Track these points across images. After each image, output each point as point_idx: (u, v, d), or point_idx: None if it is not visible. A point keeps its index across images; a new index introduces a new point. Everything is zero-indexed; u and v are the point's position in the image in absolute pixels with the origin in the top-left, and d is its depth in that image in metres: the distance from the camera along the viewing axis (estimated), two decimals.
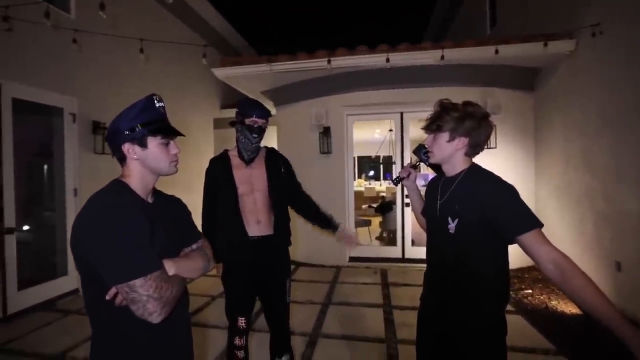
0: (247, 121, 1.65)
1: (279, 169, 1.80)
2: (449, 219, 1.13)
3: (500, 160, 4.15)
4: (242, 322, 1.69)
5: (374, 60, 3.92)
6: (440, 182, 1.24)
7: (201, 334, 2.72)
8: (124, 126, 0.94)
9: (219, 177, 1.73)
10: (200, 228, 1.39)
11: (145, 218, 0.93)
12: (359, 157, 11.85)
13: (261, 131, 1.68)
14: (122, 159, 0.98)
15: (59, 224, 3.70)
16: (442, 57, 3.32)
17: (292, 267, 4.53)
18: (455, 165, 1.17)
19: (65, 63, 3.49)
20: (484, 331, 1.10)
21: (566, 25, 3.54)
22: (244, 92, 5.32)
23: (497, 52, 3.28)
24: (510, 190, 1.04)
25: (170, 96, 5.24)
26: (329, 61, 3.39)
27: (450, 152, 1.15)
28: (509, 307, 3.08)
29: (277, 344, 1.82)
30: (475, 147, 1.15)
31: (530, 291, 3.51)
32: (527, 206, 1.02)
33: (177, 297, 0.92)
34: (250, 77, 4.48)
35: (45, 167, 3.87)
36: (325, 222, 1.90)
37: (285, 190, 1.82)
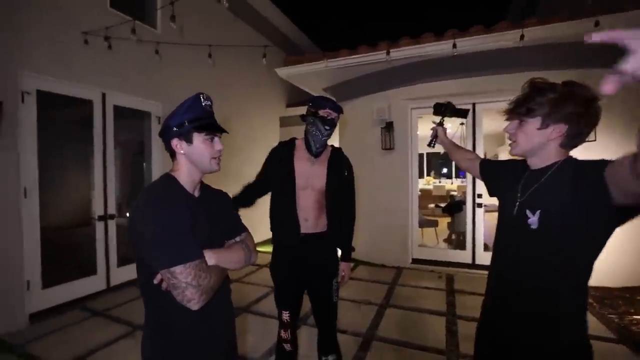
0: (321, 112, 1.63)
1: (342, 170, 1.76)
2: (528, 212, 0.93)
3: (596, 152, 3.45)
4: (286, 315, 1.70)
5: (440, 47, 3.60)
6: (523, 176, 1.03)
7: (260, 322, 2.86)
8: (173, 122, 1.00)
9: (280, 161, 1.73)
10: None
11: (189, 210, 0.98)
12: (428, 154, 11.18)
13: (333, 124, 1.65)
14: (172, 154, 1.05)
15: None
16: (522, 37, 2.87)
17: (352, 264, 4.47)
18: (545, 158, 0.96)
19: (151, 72, 3.99)
20: (565, 358, 0.91)
21: None
22: (307, 90, 5.43)
23: (597, 24, 2.69)
24: None
25: (239, 96, 5.63)
26: (387, 52, 3.22)
27: (541, 143, 0.94)
28: (610, 334, 2.56)
29: (323, 343, 1.80)
30: (575, 138, 0.93)
31: None
32: None
33: (216, 286, 0.95)
34: (310, 75, 4.53)
35: (144, 164, 4.51)
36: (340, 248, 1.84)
37: (341, 193, 1.76)
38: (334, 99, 5.10)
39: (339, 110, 1.67)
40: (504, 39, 3.37)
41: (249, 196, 1.80)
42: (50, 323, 2.87)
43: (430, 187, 9.15)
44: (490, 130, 7.88)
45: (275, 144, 1.89)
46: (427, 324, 2.82)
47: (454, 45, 2.96)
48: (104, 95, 3.53)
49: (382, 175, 4.50)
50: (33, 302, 2.92)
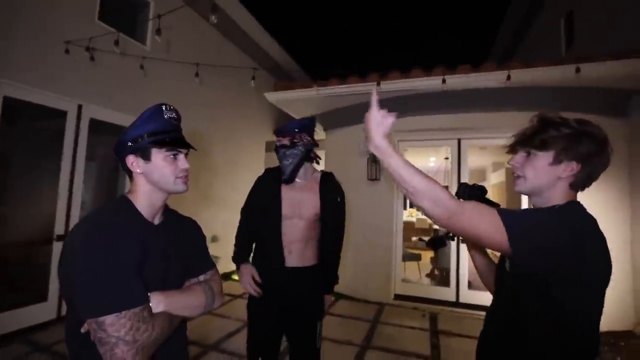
0: (277, 142, 1.56)
1: (335, 196, 1.63)
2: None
3: (585, 199, 3.50)
4: None
5: (428, 83, 3.67)
6: None
7: None
8: (128, 136, 0.86)
9: (266, 189, 1.62)
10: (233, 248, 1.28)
11: (141, 241, 0.81)
12: None
13: (286, 148, 1.53)
14: (129, 173, 0.90)
15: None
16: (509, 78, 2.96)
17: (332, 298, 4.25)
18: (551, 198, 0.88)
19: (135, 87, 3.86)
20: None
21: None
22: (295, 116, 5.41)
23: (578, 70, 2.81)
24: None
25: (225, 118, 5.54)
26: (378, 84, 3.24)
27: (550, 180, 0.87)
28: None
29: None
30: (585, 180, 0.87)
31: None
32: None
33: (161, 339, 0.76)
34: (299, 102, 4.52)
35: (118, 181, 4.25)
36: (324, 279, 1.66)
37: (332, 221, 1.63)
38: (322, 125, 5.10)
39: (288, 132, 1.54)
40: (490, 78, 3.48)
41: (247, 246, 1.66)
42: None
43: (413, 219, 9.13)
44: (475, 166, 8.05)
45: (261, 169, 1.77)
46: None
47: (444, 81, 3.01)
48: (80, 107, 3.34)
49: (367, 205, 4.40)
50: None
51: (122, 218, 0.83)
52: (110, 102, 3.60)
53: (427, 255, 5.50)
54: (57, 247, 3.20)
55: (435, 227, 7.04)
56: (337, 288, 4.25)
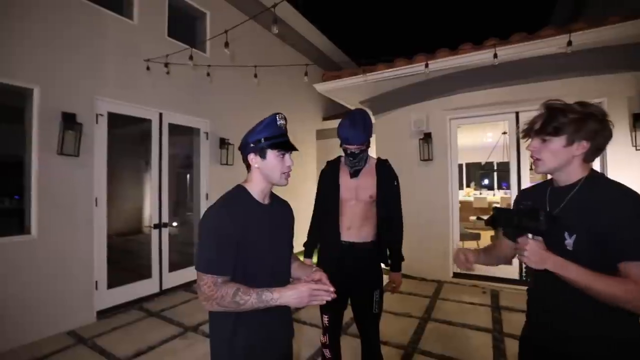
0: (343, 145, 1.74)
1: (391, 181, 1.82)
2: (566, 234, 0.97)
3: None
4: (325, 319, 1.77)
5: (479, 57, 3.57)
6: (547, 193, 1.08)
7: (298, 330, 2.94)
8: (250, 139, 1.13)
9: (329, 178, 1.86)
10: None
11: (255, 217, 1.11)
12: (467, 164, 10.79)
13: (354, 155, 1.73)
14: (248, 166, 1.18)
15: (195, 222, 4.57)
16: (570, 43, 2.78)
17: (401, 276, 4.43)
18: (571, 174, 1.02)
19: (202, 93, 4.35)
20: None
21: None
22: (344, 104, 5.57)
23: None
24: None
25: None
26: (426, 65, 3.24)
27: (567, 159, 1.01)
28: None
29: (365, 353, 1.82)
30: (595, 152, 1.01)
31: None
32: None
33: (229, 303, 1.00)
34: (348, 89, 4.66)
35: (188, 176, 4.87)
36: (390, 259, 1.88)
37: (390, 204, 1.82)
38: (371, 110, 5.20)
39: (357, 142, 1.69)
40: (549, 45, 3.27)
41: (315, 238, 1.94)
42: (114, 320, 3.18)
43: (471, 198, 8.79)
44: None
45: (313, 157, 2.01)
46: (472, 340, 2.73)
47: (495, 55, 2.93)
48: (160, 115, 3.91)
49: (420, 186, 4.45)
50: (100, 300, 3.25)
51: (240, 200, 1.13)
52: (181, 107, 4.12)
53: (487, 234, 5.37)
54: (154, 233, 3.84)
55: (495, 204, 6.77)
56: None
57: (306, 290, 1.02)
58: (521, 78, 3.80)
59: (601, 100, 3.47)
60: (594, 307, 0.92)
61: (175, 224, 4.53)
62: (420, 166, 4.48)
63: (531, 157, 1.08)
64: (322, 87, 4.72)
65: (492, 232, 5.08)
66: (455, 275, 4.30)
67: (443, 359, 2.44)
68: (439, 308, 3.44)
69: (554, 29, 3.31)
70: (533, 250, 0.91)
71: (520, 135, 1.12)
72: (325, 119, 7.28)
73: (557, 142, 1.00)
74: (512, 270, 4.03)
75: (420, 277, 4.40)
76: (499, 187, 10.67)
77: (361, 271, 1.77)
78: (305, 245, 1.93)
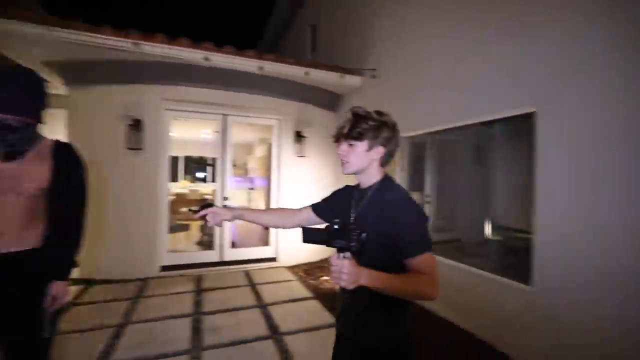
0: None
1: (71, 170, 1.43)
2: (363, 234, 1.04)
3: (307, 166, 4.81)
4: None
5: (194, 56, 3.73)
6: (354, 193, 1.21)
7: None
8: None
9: None
10: None
11: None
12: (185, 158, 10.98)
13: (12, 129, 1.26)
14: None
15: None
16: (261, 68, 3.53)
17: (82, 286, 3.64)
18: (371, 176, 1.14)
19: None
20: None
21: (360, 65, 4.52)
22: (14, 59, 3.90)
23: (307, 73, 3.79)
24: (417, 210, 1.05)
25: None
26: (139, 44, 2.94)
27: (368, 162, 1.12)
28: (310, 294, 3.58)
29: None
30: (389, 157, 1.14)
31: (327, 277, 4.19)
32: (426, 228, 1.03)
33: None
34: (27, 39, 3.31)
35: None
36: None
37: (69, 198, 1.43)
38: (62, 79, 4.01)
39: (21, 110, 1.28)
40: (250, 64, 3.98)
41: None
42: None
43: (186, 190, 9.01)
44: (239, 140, 8.85)
45: None
46: (172, 330, 2.78)
47: (207, 59, 3.16)
48: None
49: (125, 178, 3.97)
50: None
51: None
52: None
53: (196, 224, 5.72)
54: None
55: (206, 196, 7.36)
56: (89, 273, 3.71)
57: None
58: (231, 85, 4.35)
59: (279, 118, 4.69)
60: (379, 309, 1.06)
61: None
62: (127, 156, 4.00)
63: (340, 159, 1.14)
64: None
65: (201, 222, 5.45)
66: (164, 268, 4.23)
67: None
68: (144, 306, 3.23)
69: (255, 52, 4.07)
70: (350, 271, 0.86)
71: (333, 139, 1.17)
72: None
73: (361, 147, 1.09)
74: (214, 254, 4.52)
75: (121, 279, 3.93)
76: (213, 180, 11.68)
77: (22, 290, 1.31)
78: None
